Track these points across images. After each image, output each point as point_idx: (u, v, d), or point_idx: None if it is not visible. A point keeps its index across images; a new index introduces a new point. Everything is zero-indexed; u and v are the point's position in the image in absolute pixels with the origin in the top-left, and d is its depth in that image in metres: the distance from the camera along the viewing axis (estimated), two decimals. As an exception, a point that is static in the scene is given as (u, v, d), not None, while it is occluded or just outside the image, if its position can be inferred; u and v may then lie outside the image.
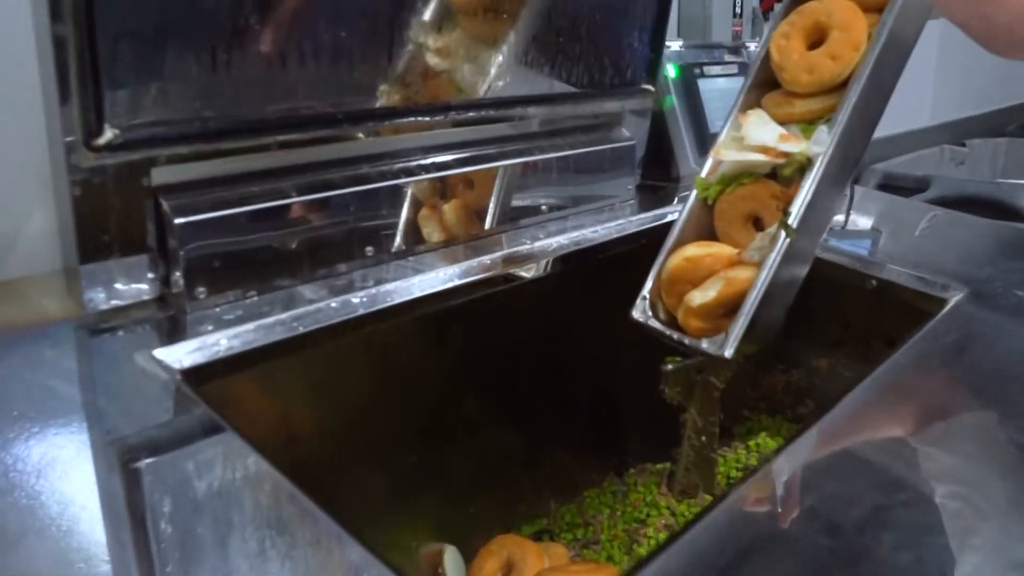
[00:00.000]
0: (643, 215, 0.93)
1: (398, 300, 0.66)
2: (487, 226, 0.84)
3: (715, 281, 0.61)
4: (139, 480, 0.45)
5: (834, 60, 0.61)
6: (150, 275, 0.62)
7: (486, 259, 0.76)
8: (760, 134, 0.62)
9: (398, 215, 0.75)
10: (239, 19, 0.59)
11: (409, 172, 0.76)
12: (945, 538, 0.40)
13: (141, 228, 0.60)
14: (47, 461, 0.45)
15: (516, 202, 0.87)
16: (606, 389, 0.97)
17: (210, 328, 0.59)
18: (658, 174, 1.07)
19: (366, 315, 0.64)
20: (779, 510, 0.41)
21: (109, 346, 0.57)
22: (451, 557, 0.81)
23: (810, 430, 0.49)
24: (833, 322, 0.92)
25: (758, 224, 0.63)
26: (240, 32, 0.60)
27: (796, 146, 0.61)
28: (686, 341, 0.62)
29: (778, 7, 0.68)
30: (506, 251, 0.78)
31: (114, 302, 0.61)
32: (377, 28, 0.68)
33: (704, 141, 1.08)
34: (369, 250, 0.72)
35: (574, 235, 0.84)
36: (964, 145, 2.24)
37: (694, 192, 0.65)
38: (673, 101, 1.07)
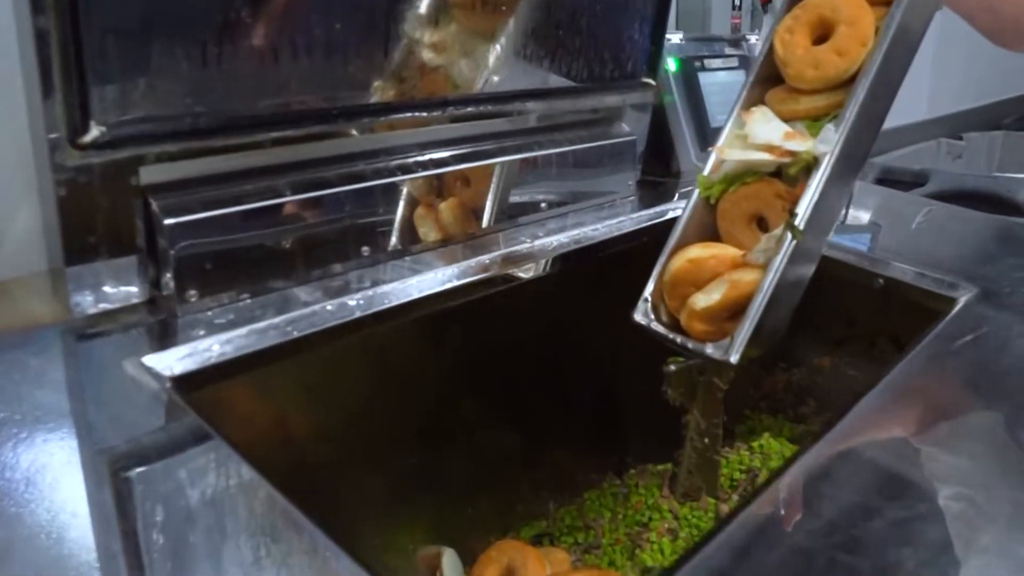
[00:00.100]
0: (644, 212, 0.91)
1: (395, 302, 0.64)
2: (484, 224, 0.82)
3: (719, 284, 0.59)
4: (130, 490, 0.44)
5: (840, 56, 0.60)
6: (139, 278, 0.60)
7: (485, 259, 0.74)
8: (764, 132, 0.60)
9: (395, 214, 0.73)
10: (230, 12, 0.57)
11: (406, 169, 0.74)
12: (969, 553, 0.38)
13: (130, 229, 0.58)
14: (36, 469, 0.45)
15: (514, 199, 0.85)
16: (605, 388, 0.96)
17: (201, 333, 0.57)
18: (658, 169, 1.05)
19: (363, 318, 0.62)
20: (797, 525, 0.40)
21: (97, 352, 0.55)
22: (449, 560, 0.79)
23: (824, 438, 0.48)
24: (836, 320, 0.91)
25: (762, 224, 0.61)
26: (231, 25, 0.58)
27: (802, 144, 0.60)
28: (690, 345, 0.60)
29: (778, 0, 0.66)
30: (505, 250, 0.77)
31: (102, 305, 0.59)
32: (372, 22, 0.66)
33: (705, 136, 1.06)
34: (365, 250, 0.70)
35: (574, 233, 0.83)
36: (961, 139, 2.23)
37: (696, 191, 0.63)
38: (673, 95, 1.05)
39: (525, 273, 0.77)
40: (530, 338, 0.84)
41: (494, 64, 0.78)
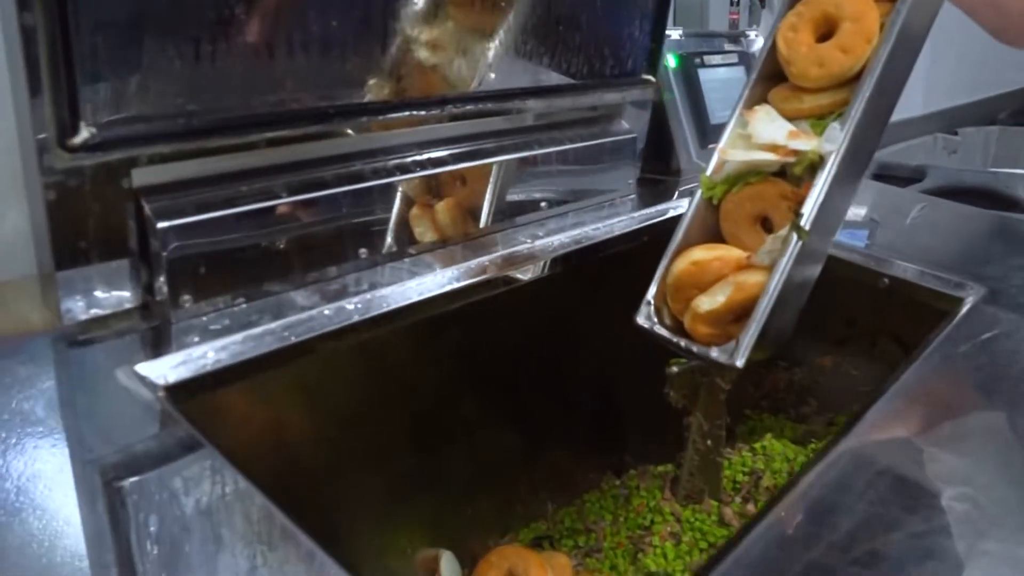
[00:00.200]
0: (644, 211, 0.90)
1: (394, 305, 0.63)
2: (482, 224, 0.81)
3: (724, 286, 0.58)
4: (123, 500, 0.44)
5: (845, 53, 0.58)
6: (132, 282, 0.58)
7: (484, 260, 0.73)
8: (768, 131, 0.59)
9: (399, 215, 0.72)
10: (223, 8, 0.56)
11: (404, 169, 0.72)
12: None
13: (122, 233, 0.57)
14: (27, 477, 0.44)
15: (513, 199, 0.84)
16: (603, 388, 0.95)
17: (196, 339, 0.55)
18: (657, 167, 1.04)
19: (361, 322, 0.61)
20: (815, 538, 0.39)
21: (89, 360, 0.54)
22: (447, 562, 0.79)
23: (838, 445, 0.47)
24: (837, 319, 0.90)
25: (766, 225, 0.60)
26: (225, 23, 0.56)
27: (807, 144, 0.59)
28: (694, 349, 0.59)
29: None
30: (505, 251, 0.76)
31: (94, 311, 0.57)
32: (369, 19, 0.65)
33: (705, 133, 1.05)
34: (363, 252, 0.69)
35: (574, 233, 0.81)
36: (956, 134, 2.23)
37: (698, 192, 0.62)
38: (673, 92, 1.04)
39: (525, 274, 0.75)
40: (529, 339, 0.83)
41: (491, 62, 0.76)
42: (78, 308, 0.56)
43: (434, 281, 0.68)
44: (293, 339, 0.57)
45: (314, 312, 0.60)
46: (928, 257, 0.81)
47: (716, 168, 0.62)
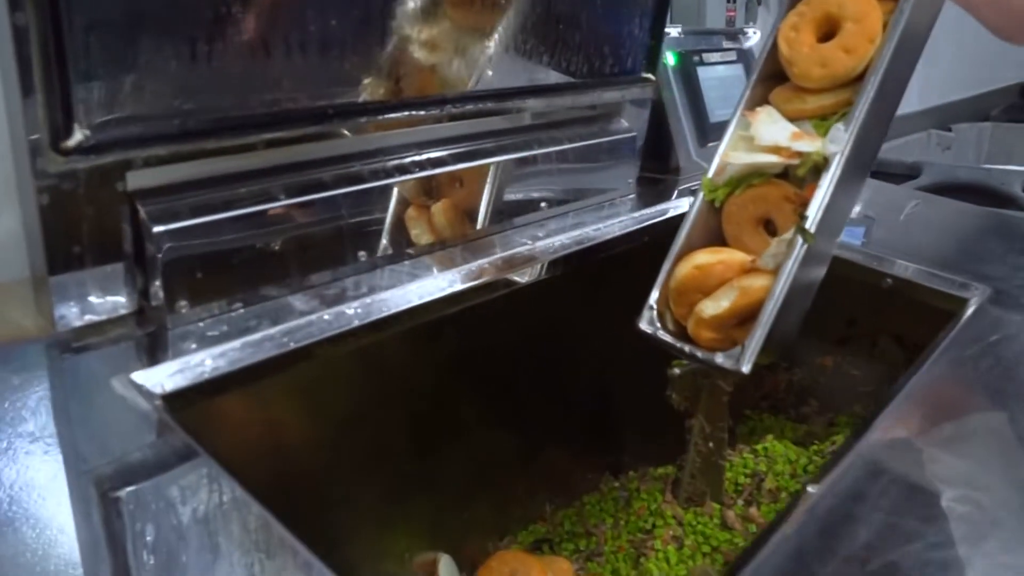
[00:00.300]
0: (644, 211, 0.89)
1: (394, 310, 0.62)
2: (480, 225, 0.80)
3: (728, 290, 0.58)
4: (119, 510, 0.43)
5: (848, 53, 0.58)
6: (127, 288, 0.57)
7: (484, 262, 0.72)
8: (771, 133, 0.59)
9: (392, 216, 0.71)
10: (220, 7, 0.55)
11: (403, 170, 0.71)
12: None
13: (116, 237, 0.55)
14: (20, 486, 0.43)
15: (512, 199, 0.83)
16: (601, 389, 0.95)
17: (193, 346, 0.54)
18: (657, 166, 1.03)
19: (361, 327, 0.60)
20: (829, 551, 0.38)
21: (84, 368, 0.53)
22: (445, 566, 0.78)
23: (849, 453, 0.46)
24: (838, 319, 0.89)
25: (769, 227, 0.60)
26: (222, 22, 0.55)
27: (810, 145, 0.58)
28: (699, 355, 0.58)
29: None
30: (505, 253, 0.75)
31: (88, 317, 0.56)
32: (367, 18, 0.63)
33: (704, 131, 1.04)
34: (362, 255, 0.68)
35: (575, 234, 0.80)
36: (950, 130, 2.23)
37: (700, 194, 0.61)
38: (672, 90, 1.03)
39: (527, 276, 0.75)
40: (527, 340, 0.82)
41: (489, 61, 0.75)
42: (72, 314, 0.55)
43: (434, 284, 0.67)
44: (292, 345, 0.56)
45: (313, 317, 0.59)
46: (928, 256, 0.81)
47: (718, 170, 0.61)
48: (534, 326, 0.81)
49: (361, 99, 0.66)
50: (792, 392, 0.95)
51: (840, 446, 0.77)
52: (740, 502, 0.77)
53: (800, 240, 0.56)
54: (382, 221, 0.70)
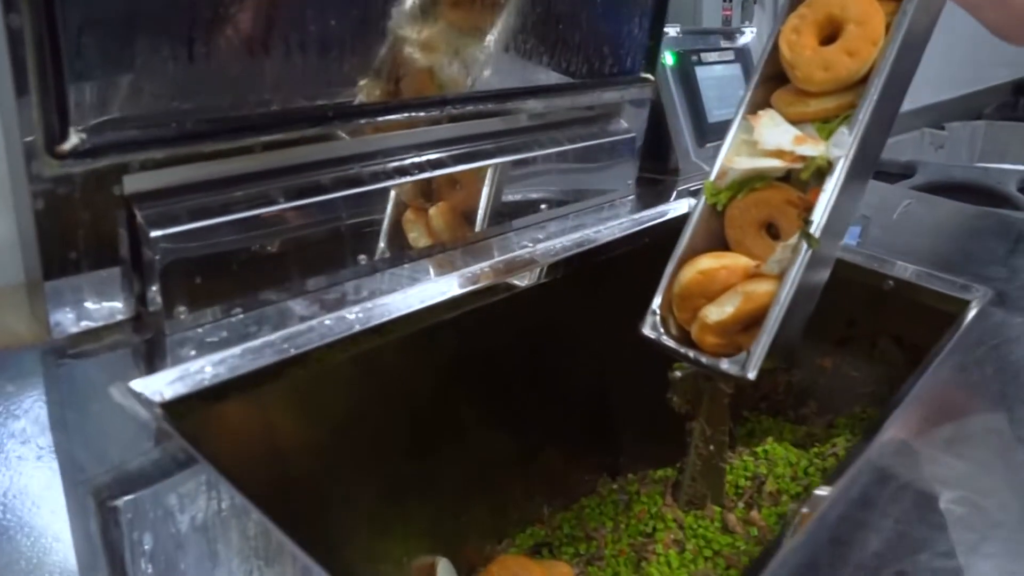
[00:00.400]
0: (644, 212, 0.89)
1: (396, 314, 0.62)
2: (479, 228, 0.79)
3: (732, 296, 0.57)
4: (117, 519, 0.42)
5: (851, 56, 0.57)
6: (124, 293, 0.56)
7: (486, 266, 0.71)
8: (774, 137, 0.58)
9: (392, 219, 0.70)
10: (217, 9, 0.54)
11: (402, 172, 0.70)
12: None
13: (113, 242, 0.55)
14: (14, 494, 0.43)
15: (511, 201, 0.82)
16: (599, 391, 0.95)
17: (192, 353, 0.53)
18: (655, 167, 1.03)
19: (362, 332, 0.59)
20: (841, 560, 0.38)
21: (81, 376, 0.52)
22: (444, 570, 0.78)
23: (858, 459, 0.46)
24: (838, 319, 0.89)
25: (772, 230, 0.59)
26: (219, 23, 0.54)
27: (814, 149, 0.57)
28: (703, 360, 0.58)
29: None
30: (506, 256, 0.74)
31: (84, 323, 0.55)
32: (366, 19, 0.63)
33: (703, 131, 1.04)
34: (362, 258, 0.67)
35: (575, 236, 0.80)
36: (943, 128, 2.24)
37: (702, 198, 0.61)
38: (671, 90, 1.03)
39: (528, 279, 0.74)
40: (526, 342, 0.82)
41: (486, 62, 0.75)
42: (68, 320, 0.54)
43: (435, 288, 0.67)
44: (293, 351, 0.55)
45: (314, 322, 0.58)
46: (926, 256, 0.81)
47: (720, 174, 0.61)
48: (532, 328, 0.81)
49: (360, 100, 0.65)
50: (791, 393, 0.94)
51: (848, 450, 0.77)
52: (741, 505, 0.77)
53: (805, 245, 0.55)
54: (382, 224, 0.70)
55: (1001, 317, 0.65)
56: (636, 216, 0.87)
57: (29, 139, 0.49)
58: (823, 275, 0.61)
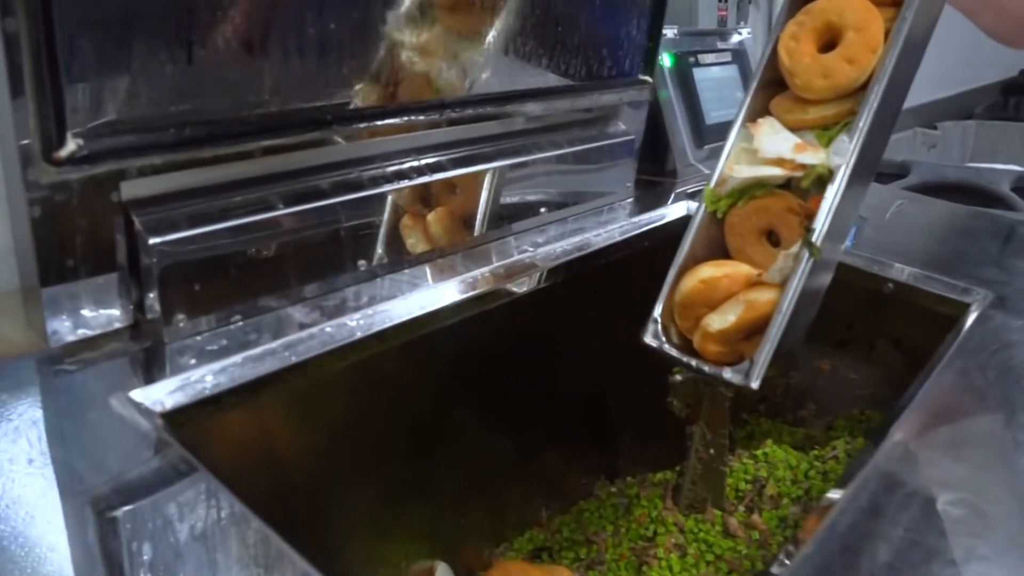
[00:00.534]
0: (643, 216, 0.89)
1: (397, 320, 0.61)
2: (478, 232, 0.79)
3: (734, 304, 0.57)
4: (116, 529, 0.42)
5: (851, 64, 0.57)
6: (121, 301, 0.55)
7: (486, 270, 0.71)
8: (774, 145, 0.58)
9: (391, 225, 0.70)
10: (215, 14, 0.53)
11: (401, 176, 0.70)
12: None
13: (110, 249, 0.54)
14: (8, 503, 0.42)
15: (510, 205, 0.82)
16: (597, 393, 0.94)
17: (192, 361, 0.53)
18: (653, 169, 1.03)
19: (364, 339, 0.58)
20: (852, 569, 0.38)
21: (79, 385, 0.51)
22: (443, 574, 0.77)
23: (865, 467, 0.45)
24: (836, 322, 0.89)
25: (772, 237, 0.59)
26: (217, 29, 0.54)
27: (814, 157, 0.57)
28: (706, 369, 0.58)
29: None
30: (506, 260, 0.74)
31: (81, 332, 0.54)
32: (365, 24, 0.62)
33: (700, 133, 1.04)
34: (361, 264, 0.67)
35: (575, 240, 0.80)
36: (935, 128, 2.25)
37: (702, 205, 0.61)
38: (668, 92, 1.02)
39: (529, 283, 0.74)
40: (525, 346, 0.82)
41: (484, 66, 0.74)
42: (65, 329, 0.54)
43: (435, 294, 0.66)
44: (294, 359, 0.55)
45: (315, 330, 0.58)
46: (923, 258, 0.81)
47: (720, 181, 0.61)
48: (531, 331, 0.81)
49: (359, 104, 0.65)
50: (789, 396, 0.94)
51: (849, 453, 0.77)
52: (742, 508, 0.77)
53: (806, 254, 0.55)
54: (381, 229, 0.69)
55: (1001, 320, 0.65)
56: (635, 219, 0.87)
57: (25, 145, 0.48)
58: (825, 279, 0.61)
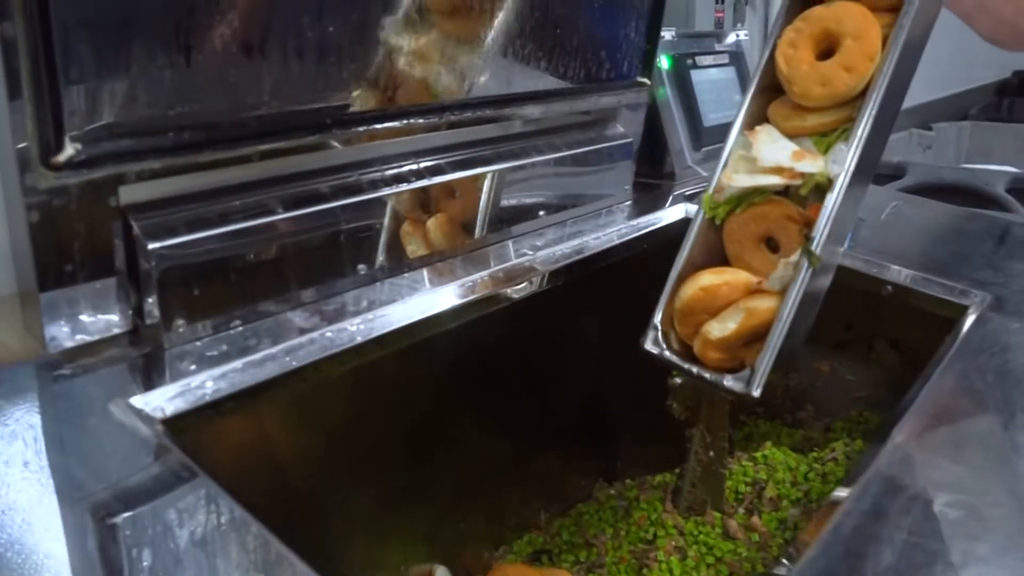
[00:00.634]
0: (641, 219, 0.88)
1: (397, 325, 0.61)
2: (478, 236, 0.79)
3: (735, 312, 0.57)
4: (115, 536, 0.41)
5: (849, 72, 0.57)
6: (120, 306, 0.55)
7: (485, 274, 0.71)
8: (772, 153, 0.58)
9: (391, 228, 0.69)
10: (214, 18, 0.53)
11: (401, 179, 0.70)
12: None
13: (109, 254, 0.53)
14: (4, 510, 0.42)
15: (509, 209, 0.82)
16: (595, 395, 0.94)
17: (192, 367, 0.52)
18: (651, 171, 1.03)
19: (364, 343, 0.58)
20: (858, 571, 0.38)
21: (79, 390, 0.51)
22: (442, 577, 0.77)
23: (867, 471, 0.46)
24: (834, 323, 0.89)
25: (771, 243, 0.59)
26: (215, 32, 0.53)
27: (813, 165, 0.57)
28: (707, 376, 0.58)
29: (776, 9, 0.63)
30: (506, 264, 0.74)
31: (80, 337, 0.54)
32: (365, 25, 0.62)
33: (698, 135, 1.04)
34: (361, 268, 0.66)
35: (574, 243, 0.80)
36: (931, 129, 2.26)
37: (700, 212, 0.61)
38: (667, 94, 1.02)
39: (529, 287, 0.74)
40: (524, 349, 0.81)
41: (484, 69, 0.74)
42: (63, 334, 0.53)
43: (435, 298, 0.66)
44: (295, 364, 0.54)
45: (315, 335, 0.58)
46: (918, 258, 0.81)
47: (718, 188, 0.61)
48: (530, 334, 0.81)
49: (358, 108, 0.65)
50: (788, 397, 0.94)
51: (849, 455, 0.77)
52: (741, 511, 0.77)
53: (806, 263, 0.55)
54: (380, 232, 0.69)
55: (999, 322, 0.66)
56: (633, 222, 0.87)
57: (23, 150, 0.48)
58: (825, 282, 0.61)
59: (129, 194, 0.54)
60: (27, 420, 0.48)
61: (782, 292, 0.56)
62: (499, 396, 0.81)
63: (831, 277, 0.61)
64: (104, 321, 0.55)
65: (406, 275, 0.70)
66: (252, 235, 0.59)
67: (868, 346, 0.88)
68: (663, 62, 1.03)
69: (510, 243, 0.80)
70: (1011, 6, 0.76)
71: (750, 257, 0.59)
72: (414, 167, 0.72)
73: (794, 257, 0.56)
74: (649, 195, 0.98)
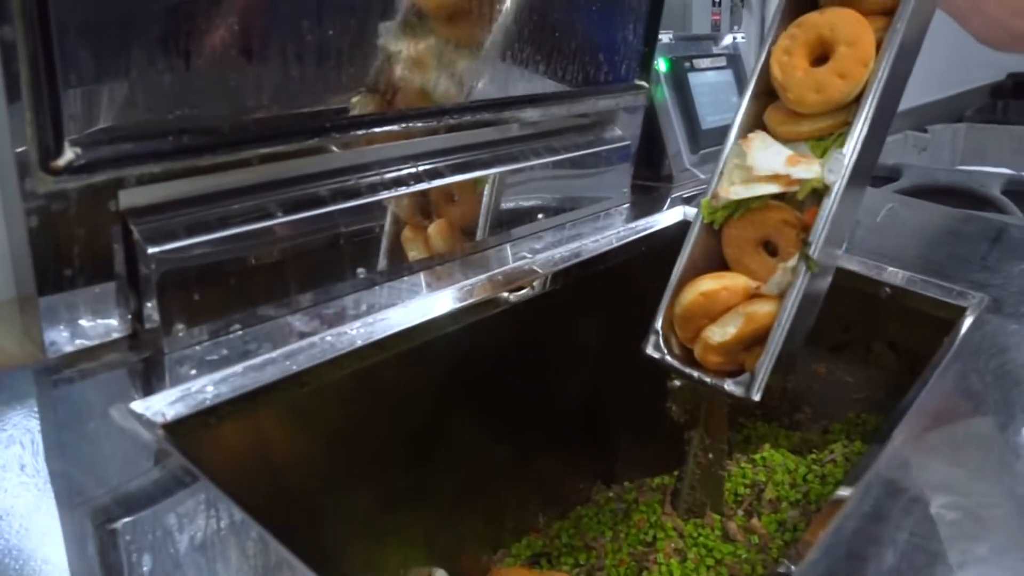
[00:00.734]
0: (639, 221, 0.89)
1: (397, 329, 0.61)
2: (478, 238, 0.79)
3: (734, 317, 0.58)
4: (115, 541, 0.41)
5: (843, 78, 0.57)
6: (120, 310, 0.55)
7: (485, 278, 0.71)
8: (767, 160, 0.58)
9: (391, 233, 0.69)
10: (214, 22, 0.53)
11: (400, 182, 0.70)
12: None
13: (108, 259, 0.53)
14: (1, 514, 0.42)
15: (508, 212, 0.82)
16: (594, 397, 0.94)
17: (192, 372, 0.52)
18: (649, 174, 1.03)
19: (365, 347, 0.58)
20: (861, 573, 0.38)
21: (78, 395, 0.51)
22: (441, 580, 0.77)
23: (869, 470, 0.46)
24: (832, 325, 0.89)
25: (769, 246, 0.59)
26: (215, 36, 0.53)
27: (808, 171, 0.57)
28: (708, 380, 0.59)
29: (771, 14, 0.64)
30: (505, 268, 0.74)
31: (79, 342, 0.54)
32: (364, 30, 0.62)
33: (696, 138, 1.04)
34: (361, 271, 0.66)
35: (573, 246, 0.80)
36: (926, 131, 2.26)
37: (699, 217, 0.61)
38: (664, 96, 1.02)
39: (528, 291, 0.74)
40: (523, 351, 0.82)
41: (482, 73, 0.74)
42: (62, 339, 0.53)
43: (435, 302, 0.66)
44: (295, 368, 0.54)
45: (316, 339, 0.58)
46: (914, 260, 0.81)
47: (714, 195, 0.61)
48: (529, 337, 0.81)
49: (357, 112, 0.65)
50: (786, 399, 0.95)
51: (848, 457, 0.77)
52: (741, 513, 0.77)
53: (804, 268, 0.56)
54: (380, 236, 0.69)
55: (997, 324, 0.66)
56: (631, 225, 0.87)
57: (22, 153, 0.48)
58: (824, 284, 0.61)
59: (129, 198, 0.54)
60: (25, 425, 0.48)
61: (781, 296, 0.56)
62: (498, 399, 0.81)
63: (830, 280, 0.61)
64: (104, 326, 0.55)
65: (405, 279, 0.70)
66: (252, 239, 0.59)
67: (866, 348, 0.89)
68: (661, 65, 1.03)
69: (508, 246, 0.80)
70: (1004, 7, 0.76)
71: (749, 261, 0.60)
72: (413, 171, 0.72)
73: (792, 262, 0.56)
74: (647, 198, 0.98)
